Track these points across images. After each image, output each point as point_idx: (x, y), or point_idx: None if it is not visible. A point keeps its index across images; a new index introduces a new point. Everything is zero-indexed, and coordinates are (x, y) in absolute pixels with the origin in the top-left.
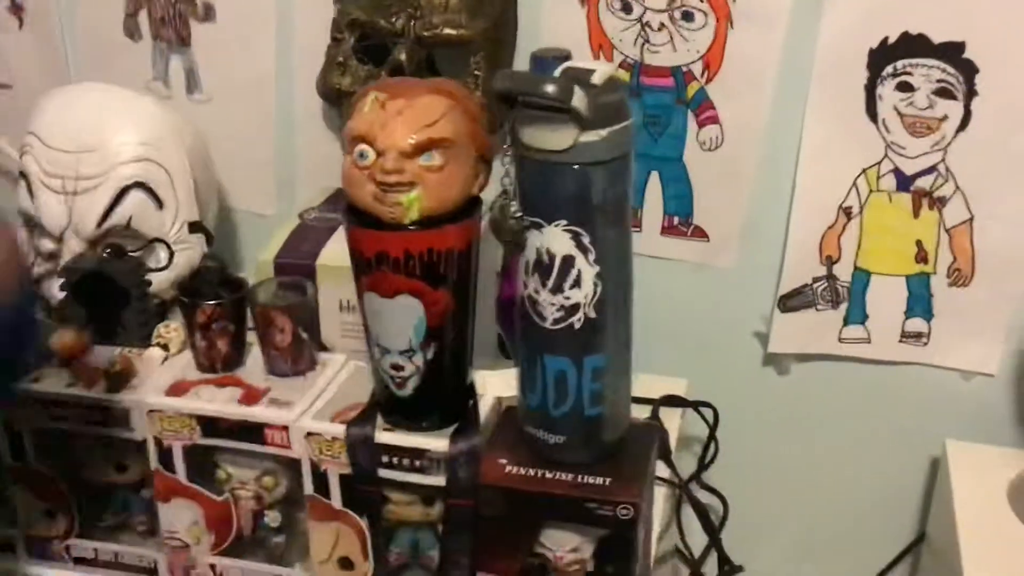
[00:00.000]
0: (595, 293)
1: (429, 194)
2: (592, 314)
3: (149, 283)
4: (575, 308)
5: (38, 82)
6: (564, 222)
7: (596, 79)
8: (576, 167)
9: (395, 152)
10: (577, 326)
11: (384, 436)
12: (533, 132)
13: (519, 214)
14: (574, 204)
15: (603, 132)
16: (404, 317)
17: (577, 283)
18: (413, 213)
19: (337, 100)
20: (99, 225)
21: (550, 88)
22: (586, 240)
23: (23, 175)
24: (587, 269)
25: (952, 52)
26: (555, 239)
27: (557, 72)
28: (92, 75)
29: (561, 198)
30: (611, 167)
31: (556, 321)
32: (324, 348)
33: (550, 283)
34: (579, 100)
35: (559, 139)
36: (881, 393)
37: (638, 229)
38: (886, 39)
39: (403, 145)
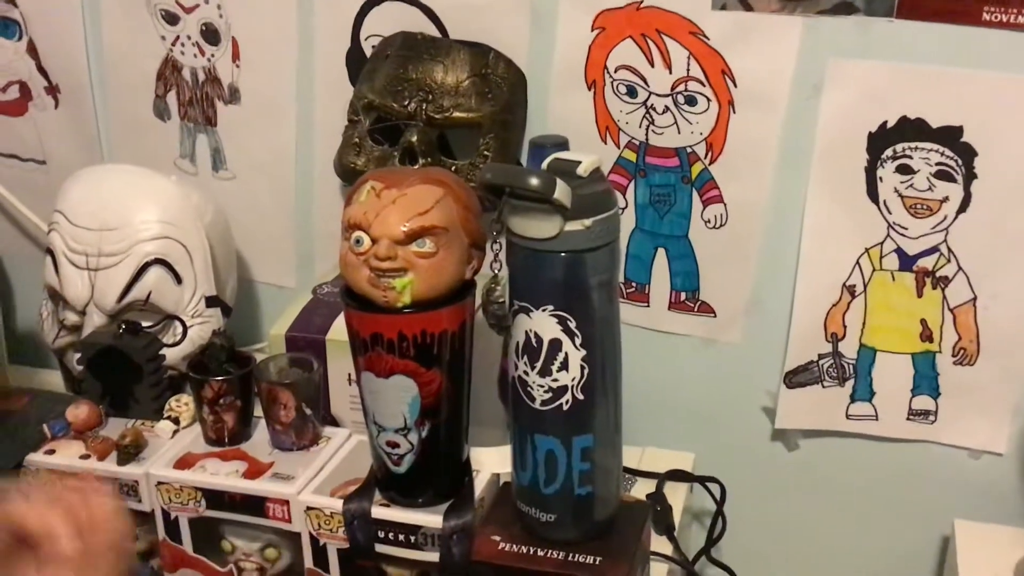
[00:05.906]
0: (582, 376)
1: (421, 279)
2: (580, 396)
3: (163, 358)
4: (563, 390)
5: (71, 159)
6: (551, 307)
7: (581, 171)
8: (562, 255)
9: (388, 239)
10: (565, 407)
11: (380, 511)
12: (521, 221)
13: (502, 299)
14: (560, 290)
15: (587, 222)
16: (399, 396)
17: (564, 366)
18: (406, 297)
19: (353, 178)
20: (119, 300)
21: (534, 181)
22: (572, 325)
23: (49, 251)
24: (574, 353)
25: (950, 136)
26: (542, 323)
27: (545, 163)
28: (123, 153)
29: (548, 284)
30: (596, 255)
31: (544, 402)
32: (334, 421)
33: (538, 365)
34: (562, 192)
35: (545, 228)
36: (890, 470)
37: (646, 304)
38: (885, 123)
39: (396, 233)
